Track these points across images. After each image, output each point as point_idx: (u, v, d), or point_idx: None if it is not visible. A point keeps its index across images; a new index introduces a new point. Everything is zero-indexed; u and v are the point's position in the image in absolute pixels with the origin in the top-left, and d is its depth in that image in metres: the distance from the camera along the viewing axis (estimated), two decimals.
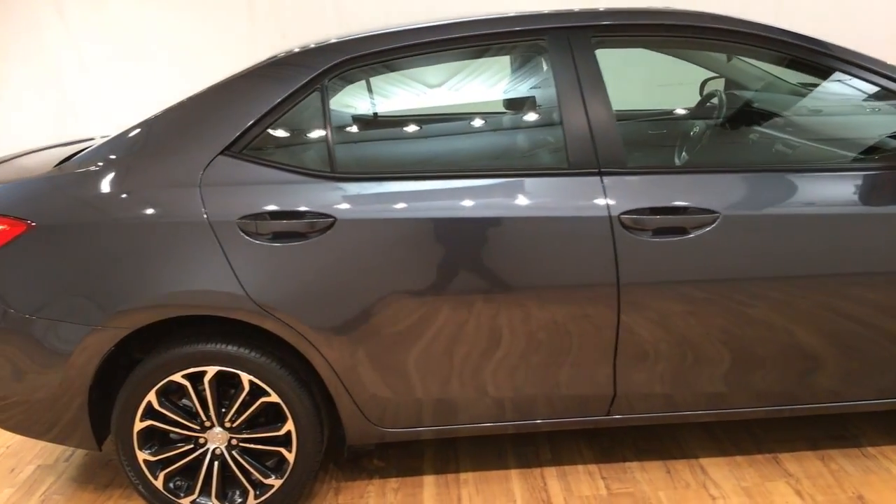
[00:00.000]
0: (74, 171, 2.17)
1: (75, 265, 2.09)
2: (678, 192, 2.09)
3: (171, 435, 2.24)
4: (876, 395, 2.33)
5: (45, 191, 2.14)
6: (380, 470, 2.55)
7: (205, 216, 2.06)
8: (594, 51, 2.15)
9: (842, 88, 2.41)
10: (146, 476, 2.24)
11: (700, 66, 2.89)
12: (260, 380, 2.15)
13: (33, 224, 2.08)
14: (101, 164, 2.16)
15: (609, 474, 2.44)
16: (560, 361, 2.17)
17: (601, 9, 2.21)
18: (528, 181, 2.11)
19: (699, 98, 3.04)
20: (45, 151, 2.72)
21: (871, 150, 2.39)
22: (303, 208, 2.06)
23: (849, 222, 2.12)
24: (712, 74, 3.00)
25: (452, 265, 2.08)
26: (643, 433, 2.64)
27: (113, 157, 2.18)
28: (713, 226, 2.06)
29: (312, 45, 2.20)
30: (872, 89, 2.32)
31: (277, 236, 2.06)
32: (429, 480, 2.48)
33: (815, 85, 2.59)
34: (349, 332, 2.10)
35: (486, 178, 2.12)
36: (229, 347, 2.14)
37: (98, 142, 2.36)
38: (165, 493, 2.25)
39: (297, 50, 2.21)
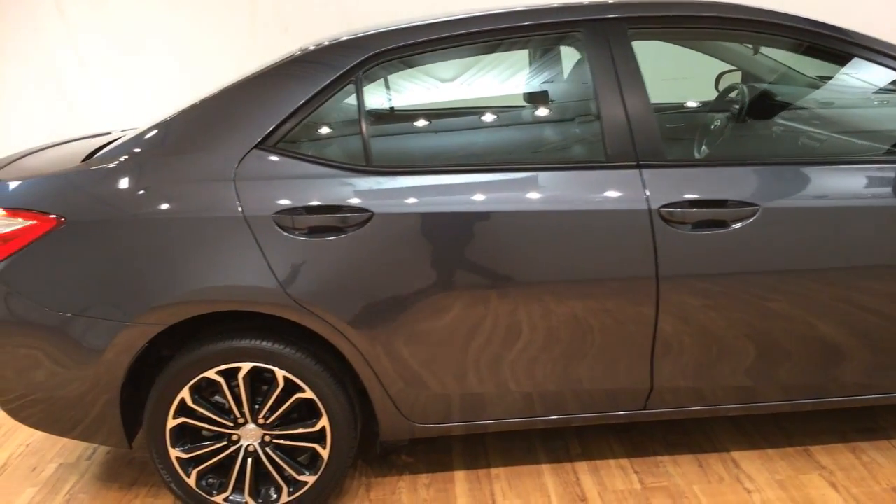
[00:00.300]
0: (104, 165, 2.13)
1: (108, 261, 2.06)
2: (717, 185, 2.08)
3: (204, 432, 2.22)
4: None
5: (75, 186, 2.11)
6: (409, 466, 2.54)
7: (240, 211, 2.04)
8: (630, 43, 2.14)
9: (866, 80, 2.41)
10: (179, 474, 2.21)
11: (721, 59, 2.88)
12: (295, 376, 2.13)
13: (63, 219, 2.05)
14: (130, 159, 2.13)
15: (641, 469, 2.44)
16: (597, 356, 2.16)
17: (636, 0, 2.20)
18: (565, 174, 2.10)
19: (716, 91, 3.03)
20: (64, 146, 2.69)
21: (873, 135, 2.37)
22: (340, 203, 2.04)
23: (883, 214, 2.12)
24: (728, 67, 3.00)
25: (490, 259, 2.07)
26: (672, 427, 2.64)
27: (142, 152, 2.15)
28: (753, 218, 2.06)
29: (344, 38, 2.18)
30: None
31: (314, 231, 2.04)
32: (460, 476, 2.46)
33: (837, 76, 2.59)
34: (385, 326, 2.09)
35: (522, 172, 2.11)
36: (264, 343, 2.12)
37: (122, 137, 2.33)
38: (198, 490, 2.23)
39: (328, 43, 2.19)
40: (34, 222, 2.07)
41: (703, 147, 2.67)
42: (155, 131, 2.18)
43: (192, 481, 2.22)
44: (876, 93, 2.51)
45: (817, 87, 2.74)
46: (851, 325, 2.18)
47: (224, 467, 2.24)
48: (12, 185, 2.14)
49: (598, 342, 2.14)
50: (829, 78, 2.63)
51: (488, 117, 2.52)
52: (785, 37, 2.28)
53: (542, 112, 2.48)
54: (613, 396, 2.24)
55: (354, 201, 2.04)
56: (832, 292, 2.13)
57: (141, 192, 2.07)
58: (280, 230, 2.03)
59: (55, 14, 5.62)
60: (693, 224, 2.05)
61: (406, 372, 2.15)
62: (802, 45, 2.32)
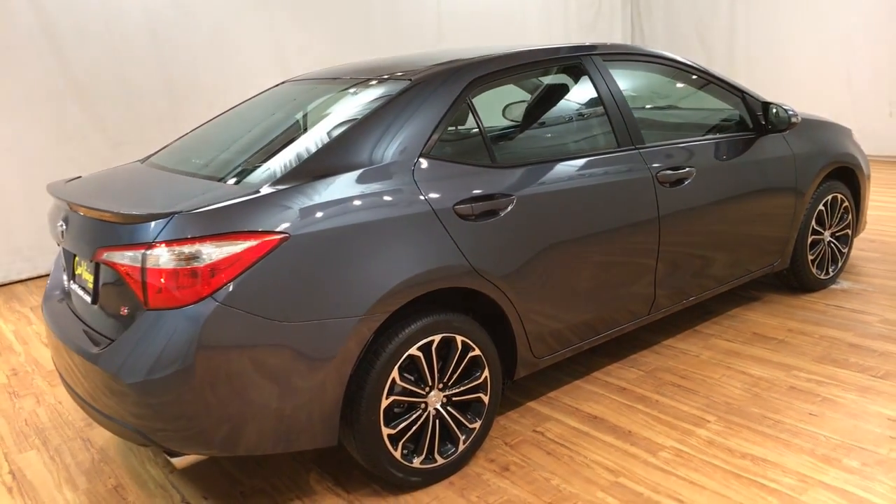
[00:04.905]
0: (300, 185, 2.33)
1: (332, 266, 2.30)
2: (676, 157, 3.26)
3: (395, 409, 2.53)
4: (728, 277, 3.80)
5: (289, 205, 2.27)
6: None
7: (430, 207, 2.48)
8: (608, 68, 3.19)
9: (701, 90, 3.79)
10: (389, 450, 2.48)
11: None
12: (469, 339, 2.62)
13: (287, 235, 2.23)
14: (320, 177, 2.38)
15: (632, 364, 3.47)
16: (631, 279, 3.13)
17: (606, 43, 3.26)
18: (602, 157, 3.04)
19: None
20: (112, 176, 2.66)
21: (722, 126, 3.82)
22: (493, 192, 2.64)
23: (737, 166, 3.55)
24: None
25: (584, 218, 2.89)
26: (618, 340, 3.72)
27: (324, 170, 2.41)
28: (694, 176, 3.28)
29: (449, 67, 2.77)
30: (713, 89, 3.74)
31: (481, 215, 2.60)
32: (532, 405, 3.16)
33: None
34: (530, 281, 2.74)
35: (584, 158, 2.98)
36: (447, 316, 2.56)
37: (290, 156, 2.54)
38: (403, 461, 2.53)
39: (435, 69, 2.75)
40: (257, 242, 2.19)
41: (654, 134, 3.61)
42: (322, 153, 2.46)
43: (398, 454, 2.51)
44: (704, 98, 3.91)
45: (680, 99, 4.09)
46: (739, 230, 3.55)
47: (414, 434, 2.57)
48: (213, 212, 2.20)
49: (631, 269, 3.12)
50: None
51: (559, 120, 3.30)
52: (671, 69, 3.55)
53: (579, 115, 3.33)
54: (634, 309, 3.23)
55: (503, 189, 2.66)
56: (728, 213, 3.48)
57: (353, 201, 2.36)
58: (459, 218, 2.54)
59: None
60: (671, 183, 3.19)
61: (538, 316, 2.82)
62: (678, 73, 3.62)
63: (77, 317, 2.63)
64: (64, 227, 2.55)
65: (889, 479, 2.47)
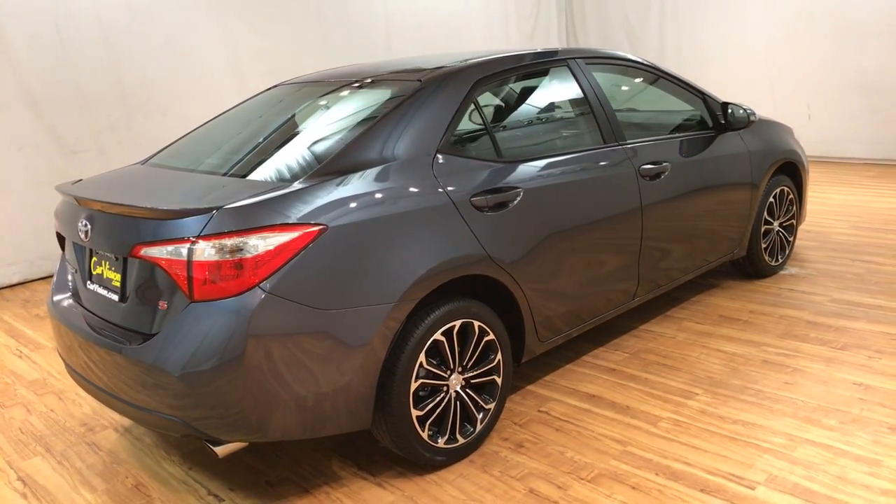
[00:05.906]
0: (330, 180, 2.45)
1: (366, 256, 2.43)
2: (654, 154, 3.51)
3: (420, 392, 2.65)
4: (693, 267, 4.10)
5: (324, 198, 2.38)
6: None
7: (449, 199, 2.64)
8: (592, 71, 3.42)
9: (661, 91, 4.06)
10: (417, 431, 2.61)
11: None
12: (484, 324, 2.78)
13: (324, 227, 2.34)
14: (350, 171, 2.50)
15: (616, 348, 3.69)
16: (618, 266, 3.36)
17: (588, 48, 3.49)
18: (592, 153, 3.26)
19: None
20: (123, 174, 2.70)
21: (685, 125, 4.10)
22: (504, 185, 2.82)
23: (704, 162, 3.85)
24: None
25: (580, 208, 3.10)
26: (598, 329, 3.95)
27: (353, 164, 2.53)
28: (669, 171, 3.55)
29: (456, 68, 2.92)
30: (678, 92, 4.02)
31: (494, 207, 2.77)
32: (531, 388, 3.33)
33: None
34: (537, 268, 2.92)
35: (576, 153, 3.19)
36: (467, 302, 2.71)
37: (316, 154, 2.66)
38: (430, 441, 2.65)
39: (441, 71, 2.90)
40: (298, 234, 2.29)
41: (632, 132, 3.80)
42: (348, 150, 2.57)
43: (425, 435, 2.64)
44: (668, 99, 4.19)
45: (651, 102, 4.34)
46: (707, 221, 3.84)
47: (439, 415, 2.70)
48: (254, 205, 2.29)
49: (618, 257, 3.34)
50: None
51: (553, 117, 3.47)
52: (639, 70, 3.82)
53: (571, 113, 3.53)
54: (621, 292, 3.45)
55: (511, 182, 2.84)
56: (701, 204, 3.76)
57: (383, 195, 2.49)
58: (475, 209, 2.70)
59: None
60: (651, 176, 3.45)
61: (544, 301, 3.00)
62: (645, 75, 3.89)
63: (97, 315, 2.65)
64: (89, 226, 2.57)
65: (865, 433, 2.77)
